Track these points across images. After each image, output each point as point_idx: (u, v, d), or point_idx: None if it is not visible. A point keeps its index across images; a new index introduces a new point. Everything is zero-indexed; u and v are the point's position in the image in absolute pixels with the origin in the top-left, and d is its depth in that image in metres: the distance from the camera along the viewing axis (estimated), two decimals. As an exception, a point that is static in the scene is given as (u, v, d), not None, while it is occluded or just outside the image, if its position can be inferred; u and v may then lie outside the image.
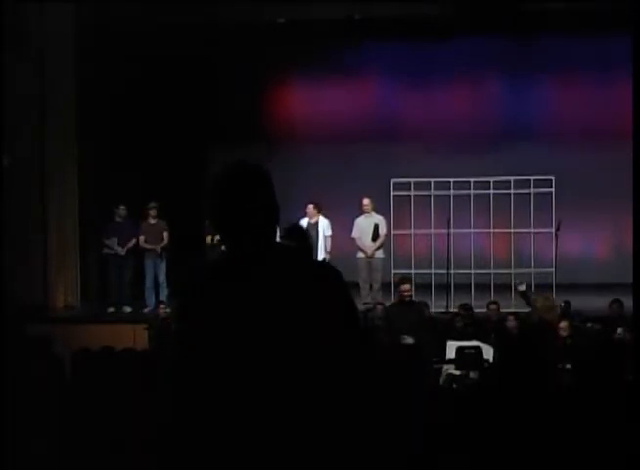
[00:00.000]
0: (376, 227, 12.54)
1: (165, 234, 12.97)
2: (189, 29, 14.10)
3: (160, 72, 14.45)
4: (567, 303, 10.70)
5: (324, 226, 12.47)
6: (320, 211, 12.63)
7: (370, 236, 12.52)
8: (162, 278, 12.93)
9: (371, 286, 12.57)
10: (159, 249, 12.88)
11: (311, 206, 12.57)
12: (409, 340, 9.76)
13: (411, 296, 10.88)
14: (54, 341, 6.41)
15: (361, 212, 12.81)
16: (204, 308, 2.58)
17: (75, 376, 5.26)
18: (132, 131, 14.21)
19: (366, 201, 12.69)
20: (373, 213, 12.70)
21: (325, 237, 12.43)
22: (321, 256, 12.31)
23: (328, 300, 2.57)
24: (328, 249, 12.40)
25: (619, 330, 8.79)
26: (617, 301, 10.20)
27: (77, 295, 13.43)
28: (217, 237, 12.54)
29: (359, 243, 12.63)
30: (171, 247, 13.06)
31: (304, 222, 12.44)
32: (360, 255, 12.62)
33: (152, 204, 12.98)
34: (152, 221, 12.99)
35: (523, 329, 9.31)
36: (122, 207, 13.01)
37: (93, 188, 13.45)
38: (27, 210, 12.84)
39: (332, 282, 2.62)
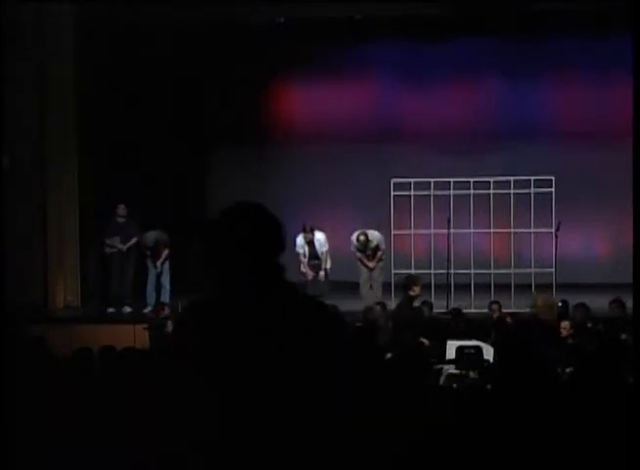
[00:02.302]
0: (375, 248, 12.56)
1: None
2: (189, 29, 14.10)
3: (159, 72, 14.45)
4: (565, 302, 10.66)
5: (320, 243, 12.59)
6: (313, 229, 12.71)
7: (369, 256, 12.58)
8: (164, 278, 12.93)
9: (371, 286, 12.60)
10: (158, 263, 12.89)
11: (305, 234, 12.57)
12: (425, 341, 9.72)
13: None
14: (50, 341, 6.41)
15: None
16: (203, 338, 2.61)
17: (75, 376, 5.26)
18: (132, 131, 14.20)
19: (353, 239, 12.50)
20: (369, 232, 12.63)
21: (322, 253, 12.56)
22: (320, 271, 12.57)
23: (324, 342, 2.59)
24: (328, 265, 12.55)
25: (623, 336, 8.75)
26: (617, 301, 10.16)
27: (77, 295, 13.43)
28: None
29: (358, 256, 12.63)
30: (172, 247, 13.04)
31: (300, 238, 12.56)
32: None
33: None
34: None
35: (520, 328, 9.28)
36: (122, 206, 13.00)
37: (93, 188, 13.45)
38: (27, 210, 12.85)
39: (330, 328, 2.64)
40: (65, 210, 13.25)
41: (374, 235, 12.60)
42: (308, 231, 12.53)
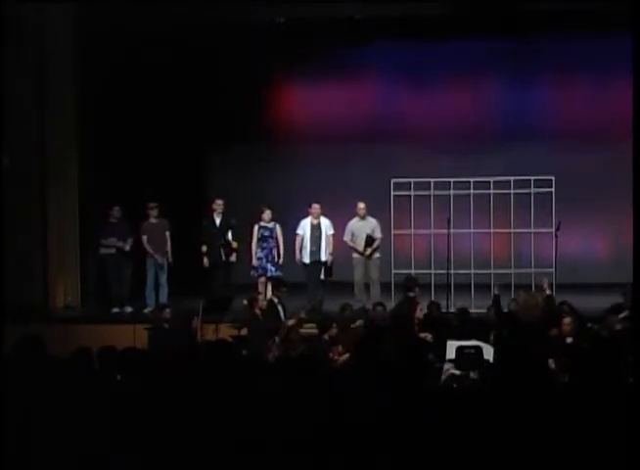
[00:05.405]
0: (368, 235, 12.53)
1: (167, 233, 12.97)
2: (189, 29, 14.10)
3: (159, 72, 14.44)
4: (567, 303, 10.63)
5: (327, 226, 12.57)
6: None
7: (363, 242, 12.51)
8: (164, 278, 12.93)
9: (368, 285, 12.55)
10: (160, 259, 12.86)
11: (317, 206, 12.63)
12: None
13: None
14: (50, 341, 6.39)
15: (353, 215, 12.77)
16: None
17: (75, 376, 5.25)
18: (132, 131, 14.20)
19: (361, 205, 12.65)
20: (368, 217, 12.66)
21: (327, 236, 12.52)
22: (324, 256, 12.42)
23: None
24: (330, 250, 12.47)
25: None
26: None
27: (77, 295, 13.44)
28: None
29: (351, 244, 12.59)
30: (171, 246, 13.04)
31: (307, 222, 12.54)
32: (355, 255, 12.63)
33: (152, 204, 12.98)
34: (153, 221, 12.99)
35: (510, 329, 9.21)
36: (117, 208, 12.99)
37: (93, 188, 13.45)
38: (27, 210, 12.85)
39: None
40: (65, 210, 13.25)
41: (372, 221, 12.61)
42: (321, 207, 12.55)
